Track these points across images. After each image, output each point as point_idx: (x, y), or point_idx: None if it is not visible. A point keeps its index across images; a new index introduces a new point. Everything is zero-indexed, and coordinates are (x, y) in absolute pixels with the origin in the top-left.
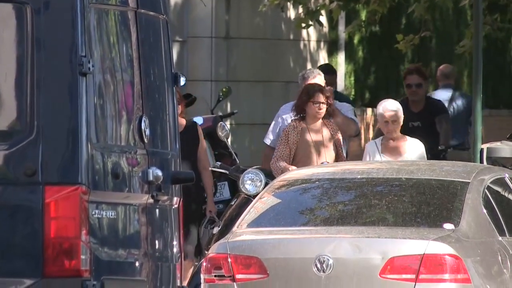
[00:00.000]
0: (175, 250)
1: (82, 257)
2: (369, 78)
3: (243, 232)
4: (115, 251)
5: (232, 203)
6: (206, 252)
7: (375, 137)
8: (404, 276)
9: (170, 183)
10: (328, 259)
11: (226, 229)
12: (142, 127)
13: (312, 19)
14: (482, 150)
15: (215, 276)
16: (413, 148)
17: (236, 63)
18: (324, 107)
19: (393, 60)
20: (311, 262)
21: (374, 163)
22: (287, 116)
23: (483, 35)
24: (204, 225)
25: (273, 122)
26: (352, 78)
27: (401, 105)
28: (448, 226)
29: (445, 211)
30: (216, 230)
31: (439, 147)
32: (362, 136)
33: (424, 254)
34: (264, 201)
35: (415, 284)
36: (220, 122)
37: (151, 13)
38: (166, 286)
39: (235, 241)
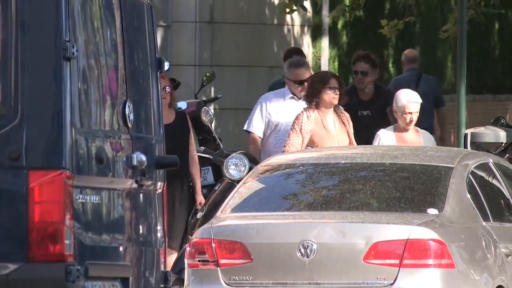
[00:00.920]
0: (159, 235)
1: (66, 241)
2: None
3: (227, 217)
4: (99, 235)
5: (216, 188)
6: (190, 237)
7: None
8: (388, 261)
9: (154, 168)
10: (312, 244)
11: (209, 214)
12: (126, 112)
13: (297, 4)
14: (466, 135)
15: (199, 261)
16: (427, 140)
17: (220, 47)
18: (338, 93)
19: (377, 45)
20: (295, 247)
21: (358, 148)
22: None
23: (467, 19)
24: (191, 216)
25: (256, 110)
26: (336, 63)
27: (350, 93)
28: (432, 211)
29: (429, 196)
30: (200, 215)
31: None
32: None
33: (408, 239)
34: (248, 186)
35: (399, 269)
36: (204, 107)
37: None
38: (149, 271)
39: (219, 226)
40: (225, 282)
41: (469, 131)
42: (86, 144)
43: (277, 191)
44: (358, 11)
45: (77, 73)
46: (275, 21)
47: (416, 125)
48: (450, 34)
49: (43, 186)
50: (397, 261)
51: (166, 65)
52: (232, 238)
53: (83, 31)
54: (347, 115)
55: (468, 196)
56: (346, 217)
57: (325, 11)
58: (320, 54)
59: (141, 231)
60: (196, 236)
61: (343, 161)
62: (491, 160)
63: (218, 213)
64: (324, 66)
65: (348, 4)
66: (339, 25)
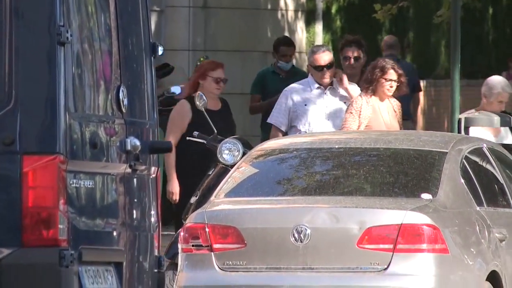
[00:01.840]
0: (152, 219)
1: (60, 226)
2: None
3: (221, 202)
4: (92, 220)
5: (210, 172)
6: (183, 221)
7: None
8: (381, 246)
9: (148, 153)
10: (305, 229)
11: (203, 199)
12: (120, 97)
13: None
14: (459, 120)
15: (192, 245)
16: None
17: (214, 32)
18: (395, 85)
19: (371, 30)
20: (288, 232)
21: (352, 133)
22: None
23: (461, 4)
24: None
25: (280, 103)
26: (330, 48)
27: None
28: (425, 196)
29: (423, 181)
30: (193, 199)
31: None
32: None
33: (401, 224)
34: (242, 171)
35: (392, 254)
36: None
37: None
38: (143, 256)
39: (212, 210)
40: (218, 267)
41: (462, 116)
42: (80, 129)
43: (271, 176)
44: None
45: (71, 58)
46: (269, 6)
47: None
48: (444, 19)
49: (36, 171)
50: (390, 246)
51: (160, 50)
52: (226, 223)
53: (77, 16)
54: (398, 103)
55: (462, 181)
56: (339, 202)
57: None
58: (314, 39)
59: (134, 216)
60: (190, 221)
61: (336, 146)
62: (484, 145)
63: (212, 198)
64: None
65: None
66: (333, 10)
